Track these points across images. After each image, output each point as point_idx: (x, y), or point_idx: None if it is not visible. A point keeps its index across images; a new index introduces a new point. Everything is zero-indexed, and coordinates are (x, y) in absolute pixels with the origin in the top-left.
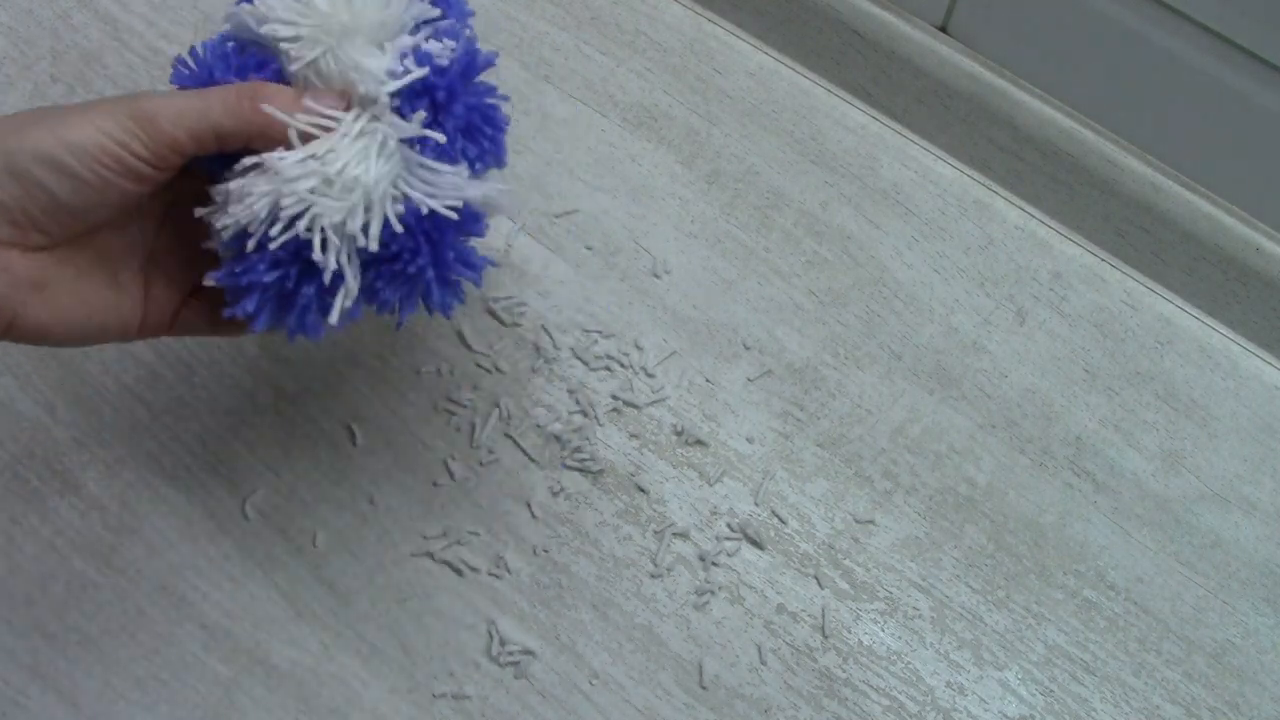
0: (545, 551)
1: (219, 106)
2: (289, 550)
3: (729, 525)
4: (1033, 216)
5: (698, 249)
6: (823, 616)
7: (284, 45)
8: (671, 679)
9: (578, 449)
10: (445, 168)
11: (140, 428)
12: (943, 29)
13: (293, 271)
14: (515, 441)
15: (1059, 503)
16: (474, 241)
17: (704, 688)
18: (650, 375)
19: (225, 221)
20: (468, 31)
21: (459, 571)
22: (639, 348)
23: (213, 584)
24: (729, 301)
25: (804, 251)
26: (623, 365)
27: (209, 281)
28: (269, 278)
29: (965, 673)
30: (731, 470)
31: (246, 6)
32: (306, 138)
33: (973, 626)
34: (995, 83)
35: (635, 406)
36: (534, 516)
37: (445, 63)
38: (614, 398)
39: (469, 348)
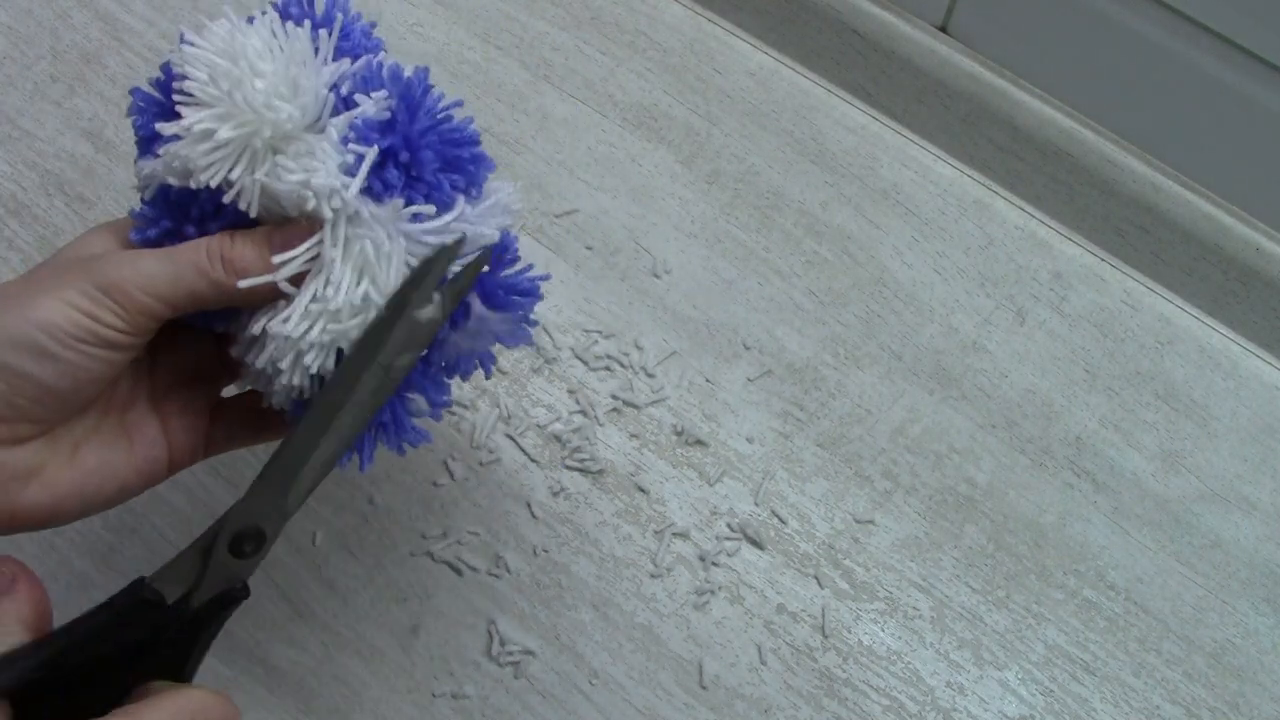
0: (545, 551)
1: (190, 273)
2: (289, 550)
3: (729, 525)
4: (1033, 216)
5: (698, 249)
6: (823, 616)
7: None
8: (671, 679)
9: (578, 449)
10: (446, 218)
11: None
12: (943, 29)
13: None
14: (515, 441)
15: (1059, 503)
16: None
17: (704, 688)
18: (650, 375)
19: (274, 400)
20: (382, 56)
21: (459, 571)
22: (639, 348)
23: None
24: (729, 301)
25: (804, 251)
26: (623, 365)
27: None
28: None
29: (965, 673)
30: (731, 470)
31: (156, 163)
32: (297, 279)
33: (973, 626)
34: (995, 83)
35: (635, 406)
36: (534, 516)
37: (388, 115)
38: (614, 398)
39: None
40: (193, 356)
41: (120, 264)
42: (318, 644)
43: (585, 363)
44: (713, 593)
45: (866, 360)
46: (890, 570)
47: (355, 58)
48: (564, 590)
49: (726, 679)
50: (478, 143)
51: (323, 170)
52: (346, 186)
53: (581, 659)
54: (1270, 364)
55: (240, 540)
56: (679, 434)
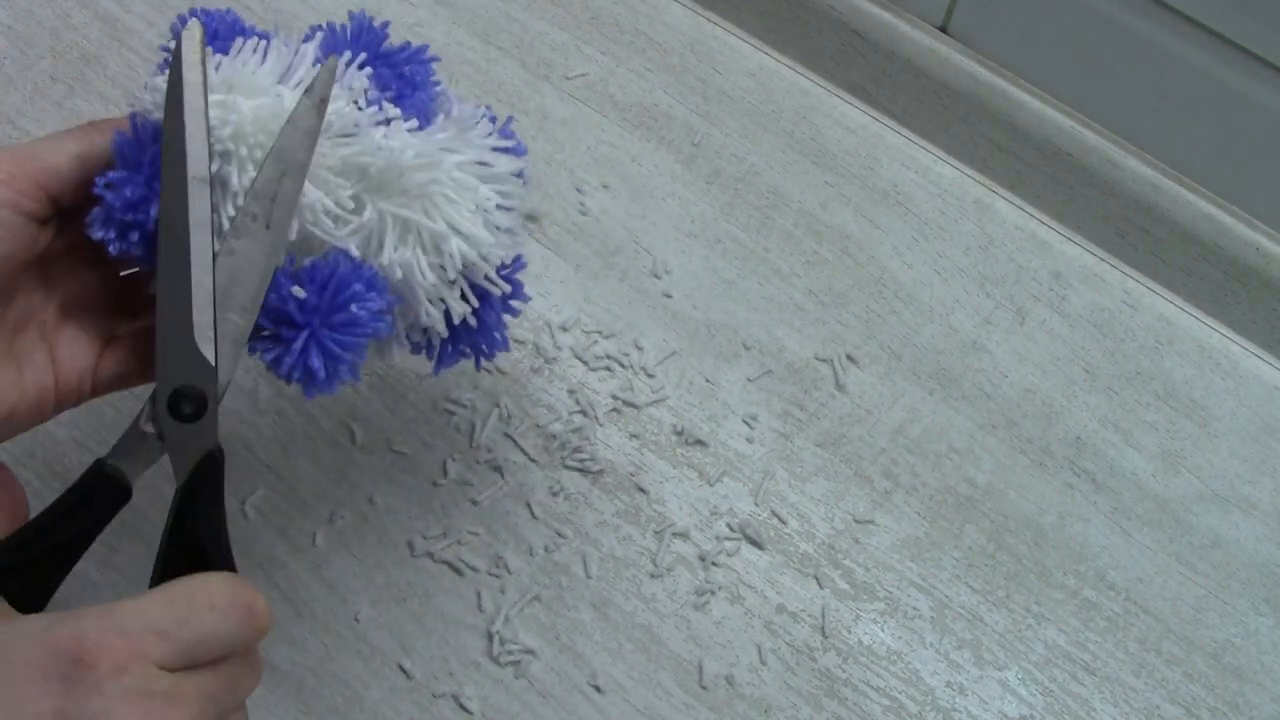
0: (545, 551)
1: (97, 131)
2: (289, 550)
3: (729, 525)
4: (1033, 216)
5: (698, 249)
6: (823, 616)
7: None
8: (671, 679)
9: (578, 449)
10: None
11: None
12: (943, 29)
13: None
14: (515, 441)
15: (1059, 503)
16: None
17: (704, 688)
18: (650, 375)
19: None
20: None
21: (459, 571)
22: (639, 348)
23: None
24: (729, 301)
25: (804, 251)
26: (623, 365)
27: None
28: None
29: (965, 673)
30: (731, 470)
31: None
32: None
33: (973, 626)
34: (995, 83)
35: (635, 406)
36: (534, 516)
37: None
38: (614, 398)
39: None
40: (89, 286)
41: (39, 140)
42: (318, 644)
43: (585, 363)
44: (713, 593)
45: (866, 360)
46: (890, 570)
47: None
48: (564, 590)
49: (726, 679)
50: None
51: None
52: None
53: (581, 659)
54: (1270, 364)
55: (178, 401)
56: (679, 434)
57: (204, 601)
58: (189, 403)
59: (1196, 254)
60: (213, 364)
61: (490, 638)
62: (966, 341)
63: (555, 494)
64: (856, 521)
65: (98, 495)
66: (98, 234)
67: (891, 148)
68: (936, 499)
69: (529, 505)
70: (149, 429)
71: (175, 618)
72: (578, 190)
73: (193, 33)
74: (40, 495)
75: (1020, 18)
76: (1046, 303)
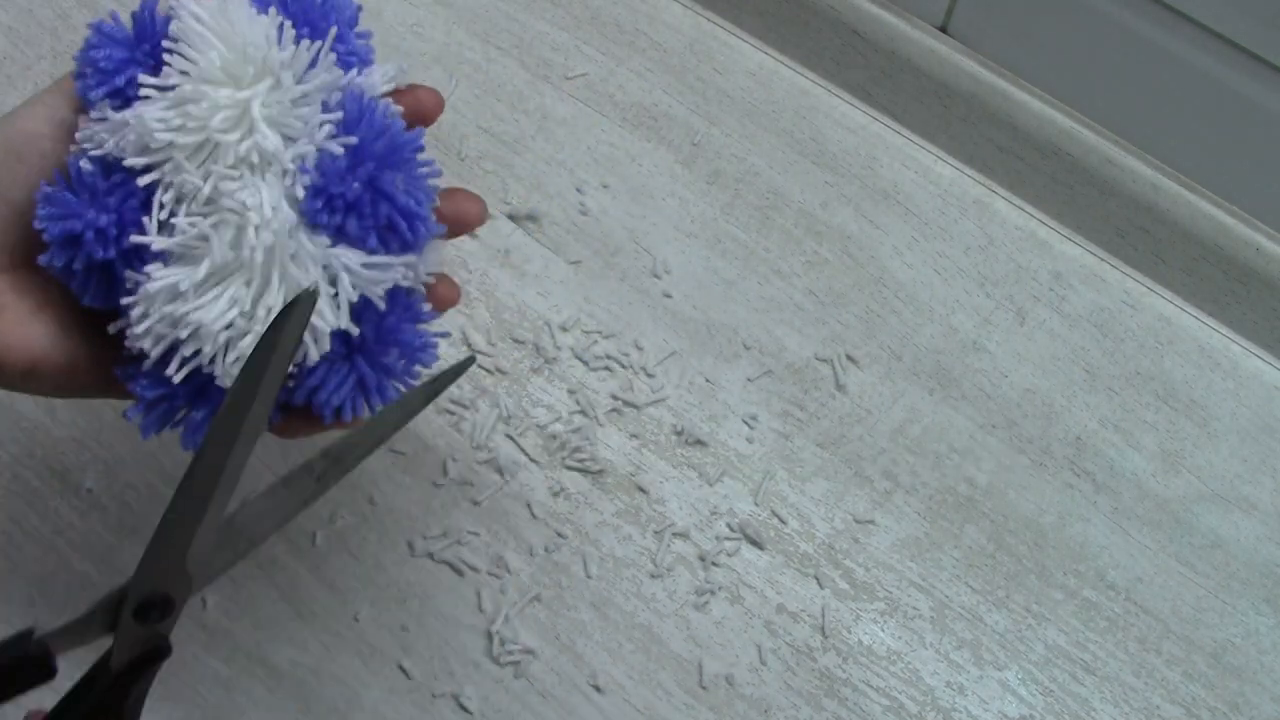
0: (545, 551)
1: None
2: (289, 550)
3: (729, 525)
4: (1033, 216)
5: (698, 249)
6: (823, 616)
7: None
8: (671, 679)
9: (578, 449)
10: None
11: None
12: (943, 29)
13: (180, 392)
14: (515, 441)
15: (1059, 503)
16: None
17: (704, 688)
18: (650, 375)
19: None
20: (368, 77)
21: (459, 571)
22: (639, 348)
23: (213, 584)
24: (729, 301)
25: (804, 251)
26: (623, 365)
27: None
28: (151, 394)
29: (965, 673)
30: (731, 470)
31: (105, 126)
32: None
33: (973, 626)
34: (995, 83)
35: (635, 406)
36: (534, 516)
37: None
38: (614, 398)
39: (469, 348)
40: None
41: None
42: (318, 644)
43: (585, 363)
44: (713, 593)
45: (866, 360)
46: (890, 570)
47: (347, 65)
48: (564, 590)
49: (726, 679)
50: (424, 215)
51: (264, 203)
52: (275, 224)
53: (581, 659)
54: (1270, 364)
55: (146, 609)
56: (679, 434)
57: None
58: (157, 612)
59: (1196, 254)
60: (191, 575)
61: (490, 638)
62: (966, 341)
63: (555, 494)
64: (856, 521)
65: (19, 671)
66: (42, 259)
67: (891, 148)
68: (936, 499)
69: (529, 505)
70: (99, 619)
71: None
72: (578, 190)
73: (305, 306)
74: (40, 495)
75: (1020, 18)
76: (1046, 303)
